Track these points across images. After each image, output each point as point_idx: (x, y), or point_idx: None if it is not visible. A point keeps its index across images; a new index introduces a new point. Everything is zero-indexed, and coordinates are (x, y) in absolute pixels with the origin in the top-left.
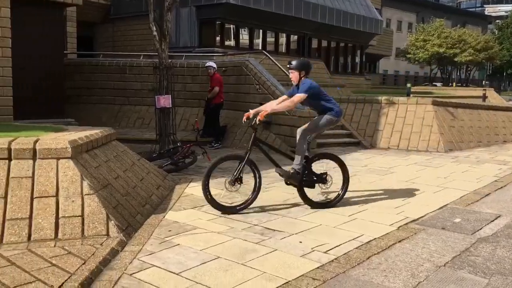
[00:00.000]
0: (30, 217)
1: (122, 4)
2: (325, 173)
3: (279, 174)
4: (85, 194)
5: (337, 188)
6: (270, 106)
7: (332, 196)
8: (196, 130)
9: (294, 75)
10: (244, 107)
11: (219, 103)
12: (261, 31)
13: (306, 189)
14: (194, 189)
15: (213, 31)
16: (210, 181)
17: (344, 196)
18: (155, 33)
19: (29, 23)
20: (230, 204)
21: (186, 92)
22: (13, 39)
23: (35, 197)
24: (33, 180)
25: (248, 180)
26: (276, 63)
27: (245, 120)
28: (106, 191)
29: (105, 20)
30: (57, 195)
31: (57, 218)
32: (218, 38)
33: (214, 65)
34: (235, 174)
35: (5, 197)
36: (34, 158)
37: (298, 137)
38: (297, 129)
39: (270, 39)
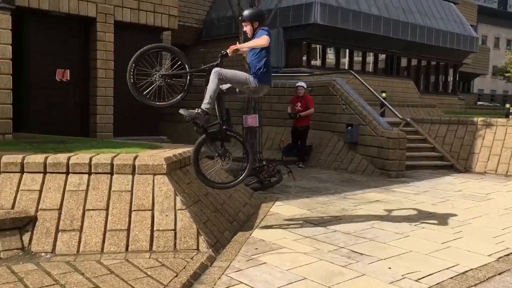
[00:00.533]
0: (128, 229)
1: (213, 27)
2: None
3: (183, 114)
4: (178, 209)
5: None
6: (247, 43)
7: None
8: (281, 149)
9: (247, 28)
10: (330, 127)
11: (309, 125)
12: (347, 50)
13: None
14: (280, 208)
15: (300, 51)
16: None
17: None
18: (244, 55)
19: (129, 47)
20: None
21: (272, 112)
22: (115, 62)
23: (133, 210)
24: (131, 194)
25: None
26: (364, 83)
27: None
28: (197, 207)
29: (196, 42)
30: (152, 209)
31: (152, 231)
32: (304, 58)
33: (305, 85)
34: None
35: (107, 209)
36: (133, 173)
37: (211, 76)
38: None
39: (357, 58)
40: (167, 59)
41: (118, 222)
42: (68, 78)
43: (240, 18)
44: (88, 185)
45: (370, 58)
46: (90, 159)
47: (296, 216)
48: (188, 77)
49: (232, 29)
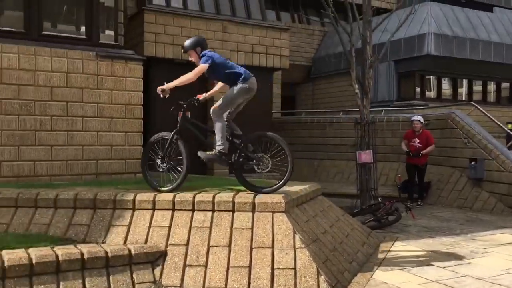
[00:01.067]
0: (250, 266)
1: (322, 64)
2: (263, 155)
3: (199, 157)
4: (297, 248)
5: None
6: (174, 81)
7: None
8: (397, 186)
9: (193, 57)
10: (450, 162)
11: (426, 162)
12: (465, 80)
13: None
14: (400, 248)
15: (413, 84)
16: None
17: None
18: (357, 90)
19: None
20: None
21: (386, 147)
22: None
23: (254, 248)
24: (252, 231)
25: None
26: (487, 114)
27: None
28: (316, 245)
29: (305, 79)
30: (272, 246)
31: (272, 269)
32: (418, 90)
33: (421, 119)
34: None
35: (229, 245)
36: (253, 211)
37: (212, 117)
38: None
39: (477, 87)
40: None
41: (240, 259)
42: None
43: (182, 50)
44: (211, 222)
45: (491, 87)
46: (213, 197)
47: (419, 257)
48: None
49: (341, 65)
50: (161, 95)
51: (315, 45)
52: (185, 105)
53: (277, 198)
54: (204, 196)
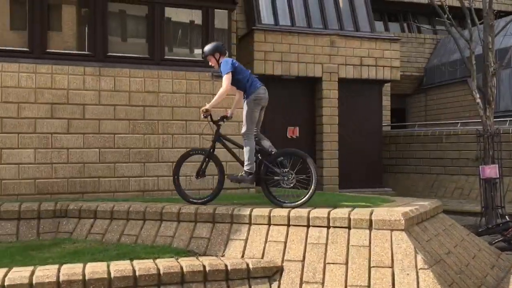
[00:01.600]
0: (369, 285)
1: (435, 73)
2: (288, 171)
3: (229, 179)
4: (420, 268)
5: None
6: (213, 100)
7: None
8: None
9: (212, 63)
10: None
11: None
12: None
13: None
14: None
15: None
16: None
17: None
18: (478, 100)
19: (352, 101)
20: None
21: None
22: (339, 117)
23: (372, 267)
24: (369, 250)
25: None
26: None
27: (202, 115)
28: (439, 267)
29: (417, 90)
30: (392, 266)
31: None
32: None
33: None
34: (199, 167)
35: (346, 263)
36: (370, 228)
37: (242, 138)
38: None
39: None
40: None
41: (358, 278)
42: (298, 135)
43: (202, 55)
44: (327, 239)
45: None
46: (328, 213)
47: None
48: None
49: (457, 73)
50: (203, 116)
51: (426, 54)
52: (220, 123)
53: (396, 215)
54: (319, 212)
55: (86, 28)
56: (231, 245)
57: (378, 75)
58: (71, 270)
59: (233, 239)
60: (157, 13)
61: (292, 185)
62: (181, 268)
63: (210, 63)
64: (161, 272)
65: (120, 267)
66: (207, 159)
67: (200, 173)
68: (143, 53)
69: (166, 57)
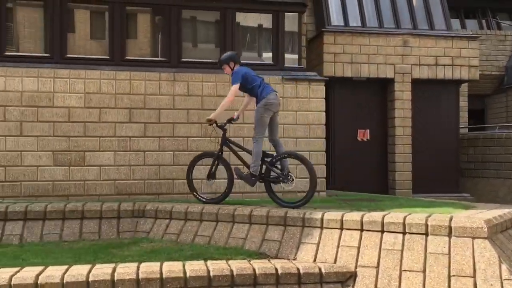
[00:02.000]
0: None
1: None
2: (288, 173)
3: (235, 174)
4: (504, 279)
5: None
6: (217, 110)
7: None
8: None
9: (227, 71)
10: None
11: None
12: None
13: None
14: None
15: None
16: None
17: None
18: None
19: (426, 103)
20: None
21: None
22: (412, 118)
23: (452, 275)
24: (449, 258)
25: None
26: None
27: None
28: None
29: (496, 90)
30: (474, 276)
31: None
32: None
33: None
34: (209, 170)
35: (424, 271)
36: (449, 235)
37: (252, 141)
38: None
39: None
40: None
41: (437, 286)
42: (368, 138)
43: (218, 63)
44: (403, 245)
45: None
46: (404, 219)
47: None
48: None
49: None
50: (208, 124)
51: (507, 51)
52: (225, 127)
53: (478, 222)
54: (394, 217)
55: (161, 35)
56: (303, 249)
57: (455, 75)
58: (149, 269)
59: (305, 243)
60: (229, 18)
61: (292, 186)
62: (254, 270)
63: (225, 71)
64: (234, 273)
65: (195, 267)
66: (216, 161)
67: (211, 175)
68: (215, 58)
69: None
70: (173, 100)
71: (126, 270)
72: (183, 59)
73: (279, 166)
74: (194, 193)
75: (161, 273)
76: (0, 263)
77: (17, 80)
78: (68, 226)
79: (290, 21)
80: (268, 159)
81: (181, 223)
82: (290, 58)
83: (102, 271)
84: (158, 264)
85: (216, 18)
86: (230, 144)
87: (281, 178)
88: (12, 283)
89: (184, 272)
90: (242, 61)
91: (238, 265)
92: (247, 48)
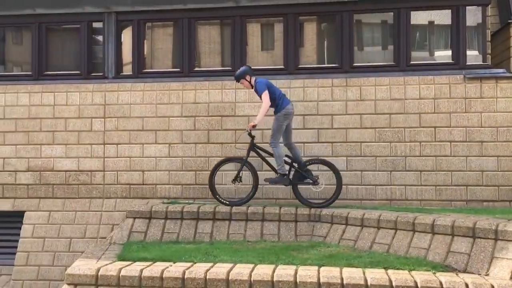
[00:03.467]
0: None
1: None
2: (317, 176)
3: (267, 181)
4: None
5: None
6: (257, 117)
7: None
8: None
9: (245, 84)
10: None
11: None
12: None
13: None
14: None
15: None
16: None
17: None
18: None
19: None
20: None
21: None
22: None
23: None
24: None
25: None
26: None
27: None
28: None
29: None
30: None
31: None
32: None
33: None
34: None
35: None
36: None
37: (270, 146)
38: None
39: None
40: None
41: None
42: None
43: (235, 79)
44: None
45: None
46: None
47: None
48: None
49: None
50: (250, 130)
51: None
52: (253, 133)
53: None
54: None
55: (331, 41)
56: (497, 264)
57: None
58: (329, 273)
59: (498, 258)
60: (403, 18)
61: (321, 189)
62: (441, 283)
63: (244, 85)
64: (419, 285)
65: (376, 275)
66: (243, 166)
67: (237, 180)
68: (387, 61)
69: (412, 62)
70: (346, 105)
71: (307, 272)
72: (355, 64)
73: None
74: (217, 196)
75: (341, 279)
76: (196, 259)
77: (205, 92)
78: (251, 227)
79: (472, 15)
80: (296, 164)
81: (357, 229)
82: (471, 55)
83: (285, 272)
84: (338, 269)
85: (388, 18)
86: (258, 150)
87: (313, 181)
88: (207, 277)
89: (365, 280)
90: (414, 62)
91: (423, 277)
92: (417, 47)
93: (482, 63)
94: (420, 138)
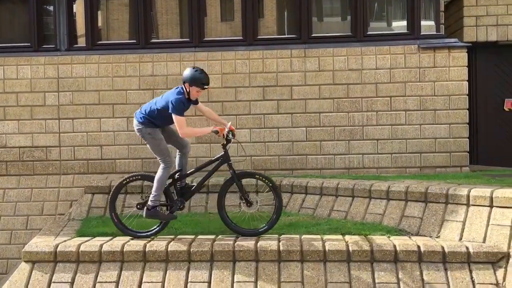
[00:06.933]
0: None
1: None
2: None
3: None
4: None
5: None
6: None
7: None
8: None
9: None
10: None
11: None
12: None
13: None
14: None
15: None
16: None
17: None
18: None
19: None
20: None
21: None
22: None
23: None
24: None
25: None
26: None
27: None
28: None
29: None
30: None
31: None
32: None
33: None
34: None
35: None
36: None
37: None
38: None
39: None
40: None
41: None
42: None
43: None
44: None
45: None
46: None
47: None
48: None
49: None
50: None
51: None
52: None
53: None
54: None
55: (290, 12)
56: (447, 227)
57: None
58: (289, 241)
59: (449, 220)
60: None
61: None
62: (394, 246)
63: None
64: (374, 249)
65: (334, 241)
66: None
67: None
68: (346, 31)
69: (368, 33)
70: (305, 76)
71: (268, 241)
72: (313, 35)
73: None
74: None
75: (300, 246)
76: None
77: (163, 64)
78: (213, 199)
79: None
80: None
81: (316, 198)
82: (426, 25)
83: (246, 242)
84: (298, 236)
85: None
86: None
87: None
88: (168, 249)
89: (323, 246)
90: (371, 33)
91: (378, 241)
92: (379, 18)
93: (436, 33)
94: (376, 108)
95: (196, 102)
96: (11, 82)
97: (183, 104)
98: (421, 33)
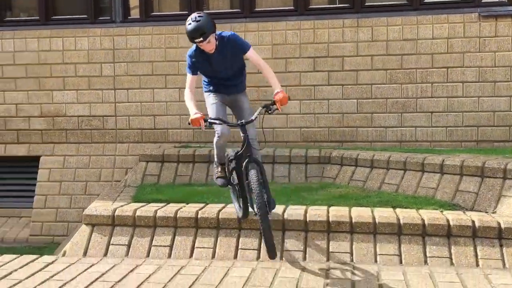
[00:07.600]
0: None
1: None
2: None
3: None
4: None
5: None
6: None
7: None
8: None
9: (210, 45)
10: None
11: None
12: None
13: None
14: None
15: None
16: None
17: None
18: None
19: None
20: None
21: None
22: None
23: None
24: None
25: None
26: None
27: None
28: None
29: None
30: None
31: None
32: None
33: None
34: None
35: None
36: None
37: None
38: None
39: None
40: None
41: None
42: None
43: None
44: None
45: None
46: None
47: None
48: None
49: None
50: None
51: None
52: None
53: None
54: None
55: None
56: (504, 202)
57: None
58: (339, 212)
59: (506, 196)
60: None
61: None
62: (447, 221)
63: (203, 47)
64: (426, 222)
65: (384, 214)
66: None
67: None
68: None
69: (425, 1)
70: (357, 47)
71: (317, 212)
72: (367, 4)
73: None
74: None
75: (350, 217)
76: (208, 200)
77: None
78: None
79: None
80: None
81: (367, 171)
82: None
83: (295, 211)
84: (347, 208)
85: None
86: None
87: None
88: (219, 217)
89: (373, 218)
90: (428, 0)
91: (430, 215)
92: None
93: (498, 0)
94: (432, 79)
95: (235, 51)
96: (69, 53)
97: (190, 58)
98: (482, 1)
